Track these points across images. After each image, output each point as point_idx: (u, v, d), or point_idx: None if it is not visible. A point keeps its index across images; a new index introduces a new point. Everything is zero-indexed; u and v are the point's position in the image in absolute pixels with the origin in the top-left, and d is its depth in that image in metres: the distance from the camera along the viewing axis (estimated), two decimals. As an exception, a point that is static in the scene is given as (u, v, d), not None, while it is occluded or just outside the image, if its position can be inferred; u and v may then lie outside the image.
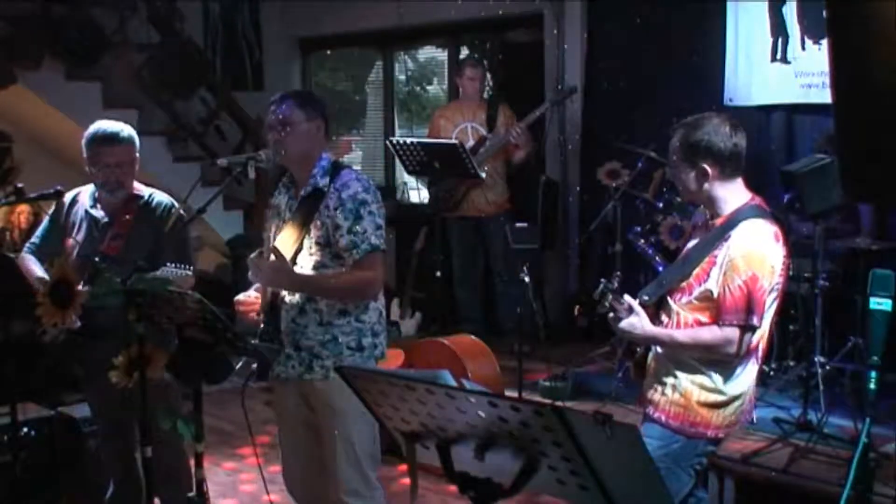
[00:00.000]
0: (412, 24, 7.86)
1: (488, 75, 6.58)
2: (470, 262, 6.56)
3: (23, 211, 6.16)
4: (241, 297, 3.35)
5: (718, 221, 3.02)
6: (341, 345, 3.26)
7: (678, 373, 3.04)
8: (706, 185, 3.00)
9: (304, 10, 8.63)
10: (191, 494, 3.09)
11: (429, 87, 8.89)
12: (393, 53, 8.72)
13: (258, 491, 4.66)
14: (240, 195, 7.49)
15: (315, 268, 3.23)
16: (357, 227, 3.17)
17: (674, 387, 3.04)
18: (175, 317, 2.92)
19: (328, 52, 9.48)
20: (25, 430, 4.06)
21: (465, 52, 8.21)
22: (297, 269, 3.24)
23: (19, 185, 4.00)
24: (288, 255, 3.20)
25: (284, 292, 3.27)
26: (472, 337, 5.18)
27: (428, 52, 8.69)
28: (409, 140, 5.53)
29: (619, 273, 3.28)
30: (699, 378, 3.01)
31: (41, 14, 6.78)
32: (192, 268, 3.47)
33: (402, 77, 8.80)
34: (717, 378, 2.99)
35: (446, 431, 1.98)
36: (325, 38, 9.03)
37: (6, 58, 6.61)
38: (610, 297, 3.01)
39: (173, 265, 3.36)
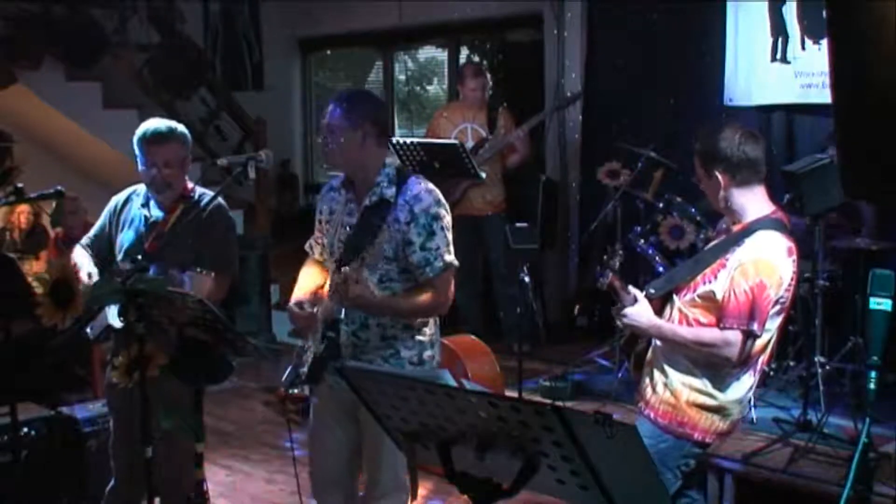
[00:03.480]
0: (412, 24, 7.87)
1: (488, 76, 6.55)
2: (469, 262, 6.54)
3: (23, 211, 6.16)
4: (295, 308, 3.16)
5: (737, 228, 3.03)
6: (403, 359, 3.16)
7: (670, 372, 3.05)
8: (723, 193, 3.01)
9: (304, 10, 8.64)
10: (191, 494, 3.09)
11: (429, 88, 8.89)
12: (393, 53, 8.73)
13: (258, 491, 4.67)
14: (240, 195, 7.49)
15: (381, 281, 3.09)
16: (429, 243, 3.05)
17: (665, 385, 3.06)
18: (175, 317, 2.92)
19: (328, 52, 9.49)
20: (25, 430, 4.05)
21: (464, 52, 8.21)
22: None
23: (19, 185, 3.97)
24: (354, 268, 3.03)
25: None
26: (472, 337, 5.17)
27: (428, 52, 8.69)
28: (408, 140, 5.52)
29: (620, 251, 3.20)
30: (690, 379, 3.02)
31: (41, 14, 6.78)
32: (229, 269, 3.44)
33: (402, 77, 8.80)
34: (708, 383, 3.00)
35: (446, 431, 1.98)
36: (325, 38, 9.04)
37: (6, 58, 6.62)
38: (609, 273, 3.02)
39: (197, 270, 3.27)
